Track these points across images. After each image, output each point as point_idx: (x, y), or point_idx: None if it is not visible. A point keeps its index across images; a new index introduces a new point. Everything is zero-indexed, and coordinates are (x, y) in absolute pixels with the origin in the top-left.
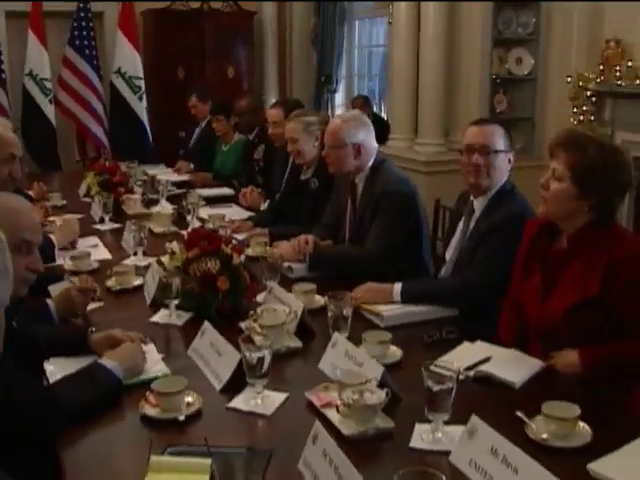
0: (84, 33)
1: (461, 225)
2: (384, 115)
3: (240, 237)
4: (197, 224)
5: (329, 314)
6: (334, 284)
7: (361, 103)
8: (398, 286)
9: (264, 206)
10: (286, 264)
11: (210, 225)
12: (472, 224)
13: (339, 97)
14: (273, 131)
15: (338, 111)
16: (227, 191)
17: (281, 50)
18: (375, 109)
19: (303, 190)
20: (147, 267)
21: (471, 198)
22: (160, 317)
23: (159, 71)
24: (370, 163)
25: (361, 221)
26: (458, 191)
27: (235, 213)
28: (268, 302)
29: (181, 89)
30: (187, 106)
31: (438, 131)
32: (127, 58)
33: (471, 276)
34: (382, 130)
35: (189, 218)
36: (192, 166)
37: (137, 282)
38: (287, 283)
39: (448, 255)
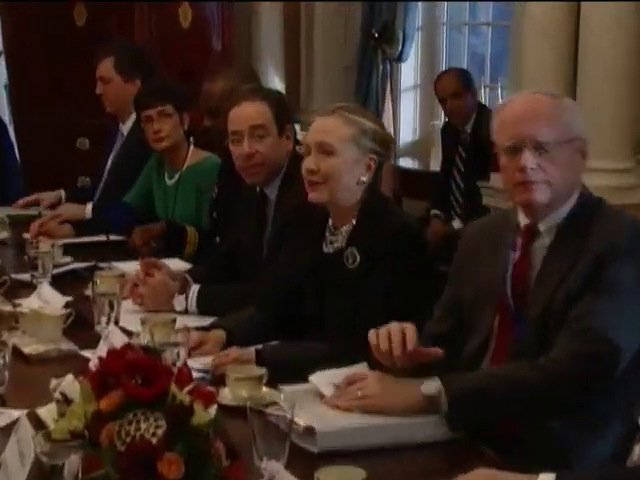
0: None
1: None
2: None
3: (201, 365)
4: (118, 337)
5: None
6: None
7: (455, 85)
8: None
9: (181, 303)
10: (302, 423)
11: (144, 340)
12: None
13: (408, 71)
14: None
15: (408, 99)
16: None
17: None
18: (484, 99)
19: (331, 272)
20: (9, 429)
21: None
22: None
23: (35, 12)
24: (574, 200)
25: (546, 315)
26: None
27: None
28: None
29: (82, 49)
30: (93, 81)
31: (622, 146)
32: None
33: None
34: None
35: (101, 326)
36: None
37: None
38: (306, 463)
39: None
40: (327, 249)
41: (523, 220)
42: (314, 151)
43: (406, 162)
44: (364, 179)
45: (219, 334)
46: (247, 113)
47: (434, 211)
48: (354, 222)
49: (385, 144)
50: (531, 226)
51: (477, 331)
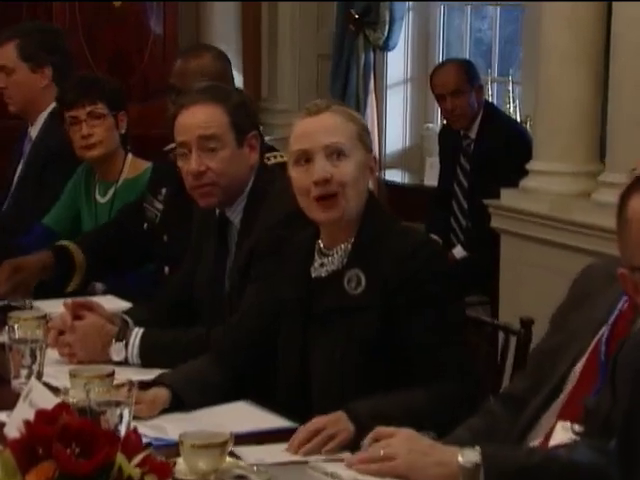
0: None
1: None
2: (513, 113)
3: (151, 429)
4: (42, 396)
5: None
6: None
7: (455, 80)
8: None
9: (119, 352)
10: None
11: (73, 398)
12: None
13: (397, 61)
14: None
15: (397, 97)
16: None
17: None
18: (491, 96)
19: (324, 300)
20: None
21: None
22: None
23: None
24: None
25: None
26: None
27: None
28: None
29: None
30: None
31: None
32: None
33: None
34: (517, 150)
35: (20, 381)
36: None
37: None
38: None
39: None
40: (316, 273)
41: None
42: (320, 156)
43: (394, 175)
44: (370, 184)
45: (160, 394)
46: (195, 120)
47: (430, 236)
48: (353, 239)
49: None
50: None
51: (546, 381)
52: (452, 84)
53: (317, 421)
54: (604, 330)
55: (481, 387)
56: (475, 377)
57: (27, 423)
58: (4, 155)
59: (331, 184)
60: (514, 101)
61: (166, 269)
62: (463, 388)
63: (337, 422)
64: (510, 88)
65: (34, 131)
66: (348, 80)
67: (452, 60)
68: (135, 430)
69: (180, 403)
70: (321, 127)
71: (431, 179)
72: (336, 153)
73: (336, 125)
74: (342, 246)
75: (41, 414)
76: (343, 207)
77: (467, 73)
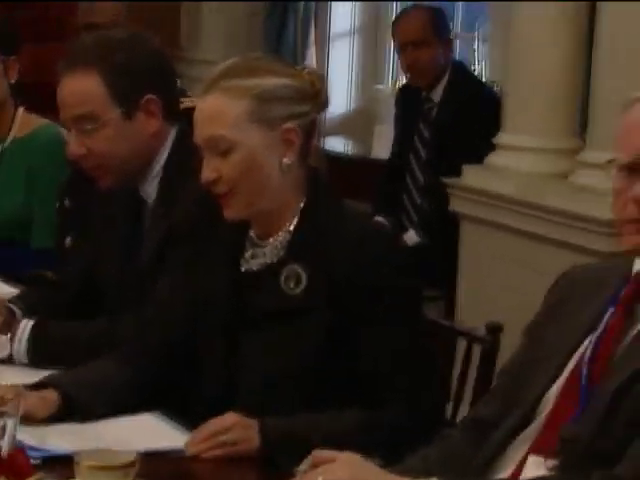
0: None
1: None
2: (479, 76)
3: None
4: None
5: None
6: None
7: (421, 28)
8: None
9: (3, 348)
10: None
11: None
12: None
13: (343, 8)
14: None
15: (341, 50)
16: None
17: None
18: (457, 51)
19: (255, 301)
20: None
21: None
22: None
23: None
24: None
25: (623, 393)
26: None
27: None
28: None
29: None
30: None
31: None
32: None
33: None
34: (488, 120)
35: None
36: None
37: None
38: None
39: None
40: (247, 266)
41: (638, 266)
42: (206, 152)
43: (336, 144)
44: (287, 160)
45: (48, 396)
46: (66, 96)
47: (378, 218)
48: (292, 227)
49: (305, 93)
50: None
51: (517, 405)
52: (415, 32)
53: (226, 419)
54: (586, 348)
55: (437, 415)
56: (429, 405)
57: None
58: None
59: (219, 184)
60: (479, 62)
61: (67, 240)
62: (409, 419)
63: (246, 428)
64: (475, 46)
65: None
66: (284, 28)
67: (420, 6)
68: (23, 449)
69: (72, 410)
70: (203, 115)
71: (380, 151)
72: (220, 149)
73: (218, 111)
74: (278, 236)
75: None
76: (242, 204)
77: (435, 22)
